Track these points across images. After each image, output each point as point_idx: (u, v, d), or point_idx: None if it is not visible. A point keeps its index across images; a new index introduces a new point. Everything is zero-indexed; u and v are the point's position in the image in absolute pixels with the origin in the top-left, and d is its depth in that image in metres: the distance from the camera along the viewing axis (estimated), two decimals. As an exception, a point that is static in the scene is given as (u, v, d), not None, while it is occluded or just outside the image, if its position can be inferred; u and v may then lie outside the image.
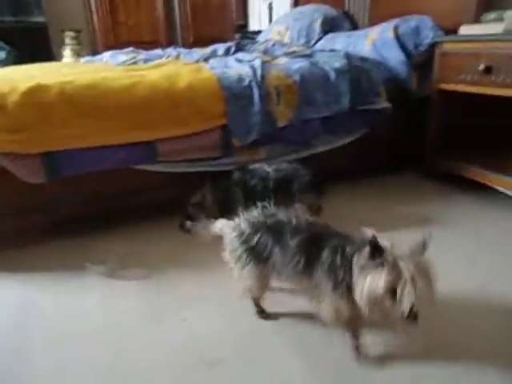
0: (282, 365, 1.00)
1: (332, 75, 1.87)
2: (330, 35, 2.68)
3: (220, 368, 0.99)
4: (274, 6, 4.07)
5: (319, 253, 0.94)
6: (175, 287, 1.31)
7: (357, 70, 1.92)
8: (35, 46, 4.04)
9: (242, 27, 4.28)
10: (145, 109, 1.56)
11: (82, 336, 1.11)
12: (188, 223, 1.67)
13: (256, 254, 1.02)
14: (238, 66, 1.87)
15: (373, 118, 1.98)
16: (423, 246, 0.86)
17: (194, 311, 1.20)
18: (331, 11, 2.89)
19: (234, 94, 1.69)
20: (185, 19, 4.56)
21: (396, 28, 2.07)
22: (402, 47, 2.03)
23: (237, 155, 1.76)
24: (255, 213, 1.08)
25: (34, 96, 1.42)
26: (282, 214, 1.05)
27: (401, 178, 2.20)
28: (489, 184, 1.80)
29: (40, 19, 3.92)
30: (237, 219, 1.09)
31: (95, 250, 1.49)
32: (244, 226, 1.05)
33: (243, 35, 3.74)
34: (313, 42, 2.73)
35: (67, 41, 4.06)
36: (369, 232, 0.91)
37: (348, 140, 1.98)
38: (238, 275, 1.07)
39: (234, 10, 4.68)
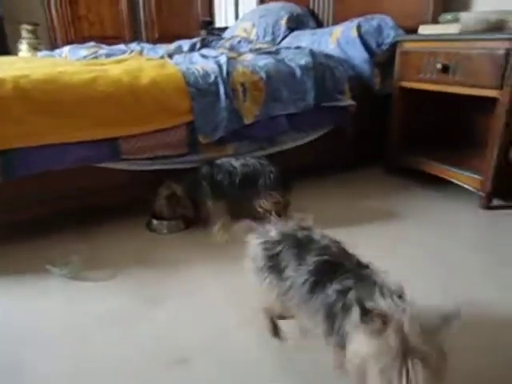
0: (249, 361, 1.00)
1: (298, 72, 1.88)
2: (295, 33, 2.71)
3: (187, 367, 0.98)
4: (239, 2, 4.06)
5: (327, 283, 0.81)
6: (142, 287, 1.28)
7: (321, 67, 1.95)
8: (-11, 38, 3.83)
9: (208, 24, 4.24)
10: (106, 105, 1.51)
11: (44, 339, 1.06)
12: (154, 222, 1.65)
13: (276, 265, 0.91)
14: (204, 62, 1.85)
15: (337, 115, 2.02)
16: (445, 323, 0.65)
17: (161, 310, 1.17)
18: (296, 9, 2.92)
19: (200, 90, 1.67)
20: (149, 14, 4.45)
21: (359, 27, 2.12)
22: (365, 46, 2.08)
23: (204, 152, 1.74)
24: (290, 223, 0.99)
25: (-15, 90, 1.34)
26: (317, 232, 0.94)
27: (364, 173, 2.26)
28: (447, 178, 1.88)
29: (-6, 11, 3.72)
30: (266, 226, 0.99)
31: (58, 251, 1.43)
32: (273, 233, 0.95)
33: (209, 32, 3.70)
34: (279, 39, 2.74)
35: (24, 34, 3.87)
36: (390, 279, 0.78)
37: (314, 137, 2.01)
38: (257, 288, 0.97)
39: (200, 6, 4.62)
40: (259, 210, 1.60)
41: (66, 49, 2.56)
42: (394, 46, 2.05)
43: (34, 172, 1.44)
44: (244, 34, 2.91)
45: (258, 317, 1.05)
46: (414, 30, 2.01)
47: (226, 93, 1.71)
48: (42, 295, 1.25)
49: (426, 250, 1.49)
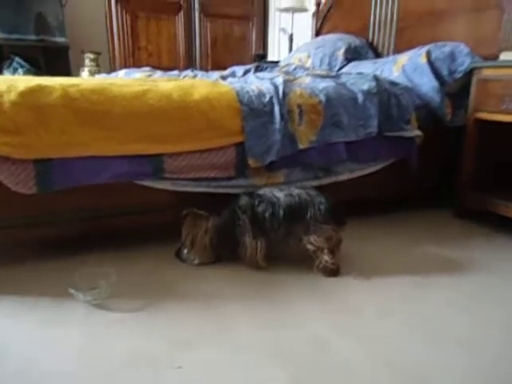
0: None
1: (360, 97, 1.72)
2: (354, 63, 2.58)
3: None
4: (294, 37, 4.05)
5: None
6: (172, 325, 1.10)
7: (386, 93, 1.77)
8: (55, 65, 4.05)
9: (261, 57, 4.26)
10: (155, 119, 1.42)
11: (54, 379, 0.90)
12: (185, 251, 1.48)
13: None
14: (259, 83, 1.74)
15: (402, 146, 1.81)
16: None
17: (192, 356, 0.98)
18: (354, 40, 2.81)
19: (253, 110, 1.55)
20: (204, 48, 4.58)
21: (429, 53, 1.94)
22: (435, 73, 1.89)
23: (252, 177, 1.59)
24: None
25: (33, 96, 1.28)
26: None
27: (429, 214, 1.99)
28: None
29: (61, 40, 3.96)
30: None
31: (84, 273, 1.28)
32: None
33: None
34: (335, 69, 2.63)
35: (86, 62, 4.07)
36: None
37: (374, 169, 1.80)
38: None
39: (254, 41, 4.70)
40: (309, 247, 1.38)
41: (122, 72, 2.59)
42: (468, 74, 1.85)
43: (73, 185, 1.35)
44: (299, 64, 2.82)
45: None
46: (490, 59, 1.81)
47: (281, 114, 1.57)
48: (61, 323, 1.09)
49: (509, 310, 1.20)
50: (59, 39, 3.99)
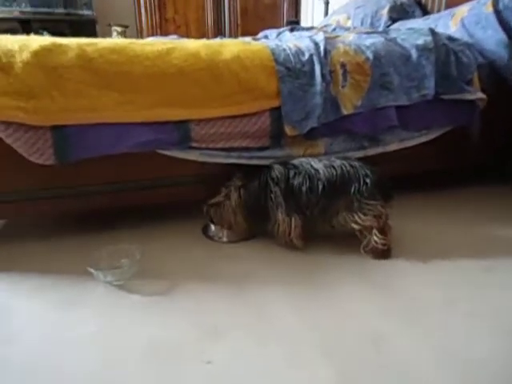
0: None
1: (413, 54, 1.49)
2: (400, 22, 2.30)
3: None
4: (330, 1, 3.75)
5: None
6: (201, 310, 0.97)
7: (445, 49, 1.53)
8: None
9: (295, 24, 3.99)
10: (179, 81, 1.26)
11: (62, 370, 0.79)
12: (212, 227, 1.35)
13: None
14: (297, 40, 1.54)
15: (461, 111, 1.57)
16: None
17: (223, 347, 0.85)
18: (400, -3, 2.51)
19: (291, 70, 1.36)
20: (234, 18, 4.37)
21: (495, 0, 1.65)
22: (503, 25, 1.61)
23: (288, 147, 1.42)
24: None
25: (47, 56, 1.15)
26: None
27: (486, 190, 1.75)
28: None
29: (88, 13, 3.87)
30: None
31: (107, 251, 1.17)
32: None
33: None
34: (380, 29, 2.36)
35: (114, 35, 3.97)
36: None
37: (428, 138, 1.58)
38: None
39: (286, 8, 4.43)
40: (354, 226, 1.21)
41: (150, 38, 2.44)
42: (543, 25, 1.57)
43: (92, 155, 1.22)
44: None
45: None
46: None
47: (322, 74, 1.37)
48: (78, 305, 0.99)
49: None
50: (86, 12, 3.91)
